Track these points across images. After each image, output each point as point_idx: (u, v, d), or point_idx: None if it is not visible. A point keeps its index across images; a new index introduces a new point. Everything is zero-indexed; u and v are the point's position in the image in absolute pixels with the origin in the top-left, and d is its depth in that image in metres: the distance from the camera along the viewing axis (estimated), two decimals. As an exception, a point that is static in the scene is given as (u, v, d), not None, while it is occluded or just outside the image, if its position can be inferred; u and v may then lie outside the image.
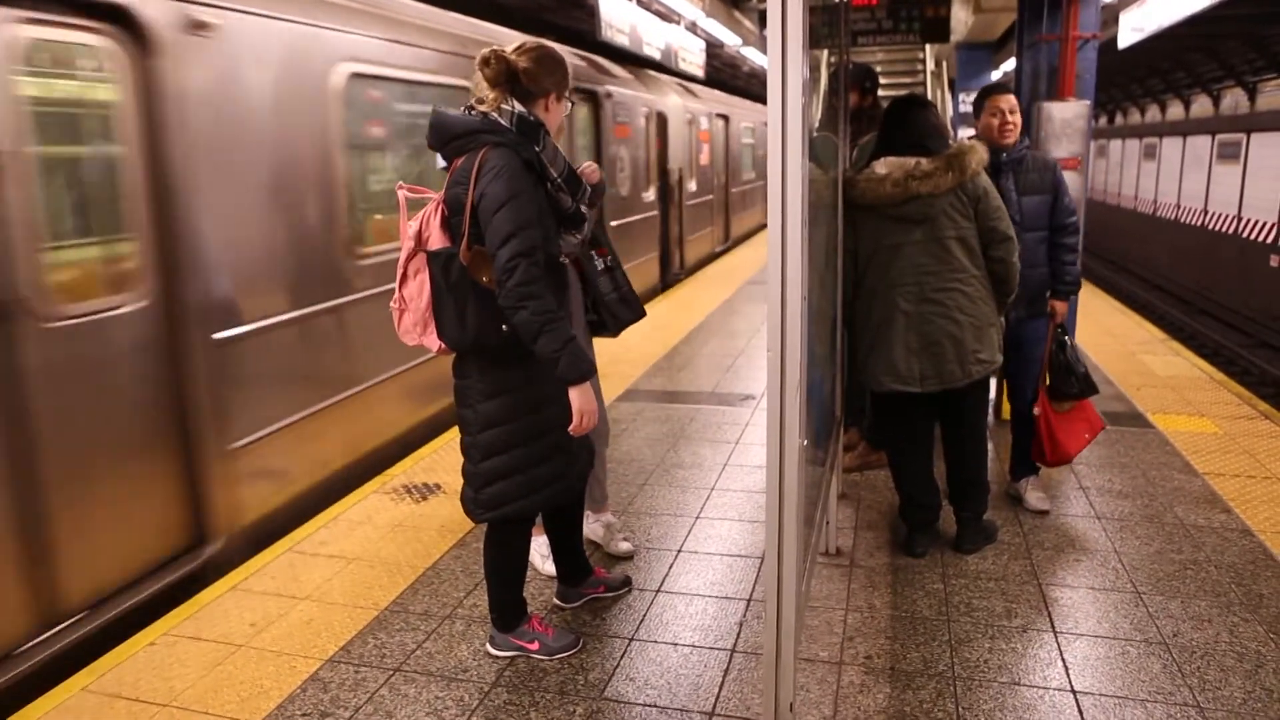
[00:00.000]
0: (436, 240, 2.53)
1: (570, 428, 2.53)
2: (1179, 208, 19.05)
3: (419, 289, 2.56)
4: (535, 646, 2.91)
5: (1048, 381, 3.94)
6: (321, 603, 3.33)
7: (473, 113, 2.54)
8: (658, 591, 3.37)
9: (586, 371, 2.48)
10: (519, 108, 2.52)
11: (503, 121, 2.50)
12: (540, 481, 2.66)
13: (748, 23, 14.96)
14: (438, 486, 4.39)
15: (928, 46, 13.60)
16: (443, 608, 3.27)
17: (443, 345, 2.59)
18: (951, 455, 3.65)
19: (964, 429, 3.61)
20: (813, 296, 2.38)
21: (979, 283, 3.38)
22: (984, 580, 3.39)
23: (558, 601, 3.24)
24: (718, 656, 2.94)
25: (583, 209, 2.64)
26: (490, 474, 2.65)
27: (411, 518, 4.06)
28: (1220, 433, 4.92)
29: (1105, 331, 7.46)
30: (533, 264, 2.38)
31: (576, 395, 2.49)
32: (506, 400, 2.60)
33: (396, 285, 2.61)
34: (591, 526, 3.62)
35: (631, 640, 3.05)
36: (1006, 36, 14.29)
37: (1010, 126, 3.73)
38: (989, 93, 3.82)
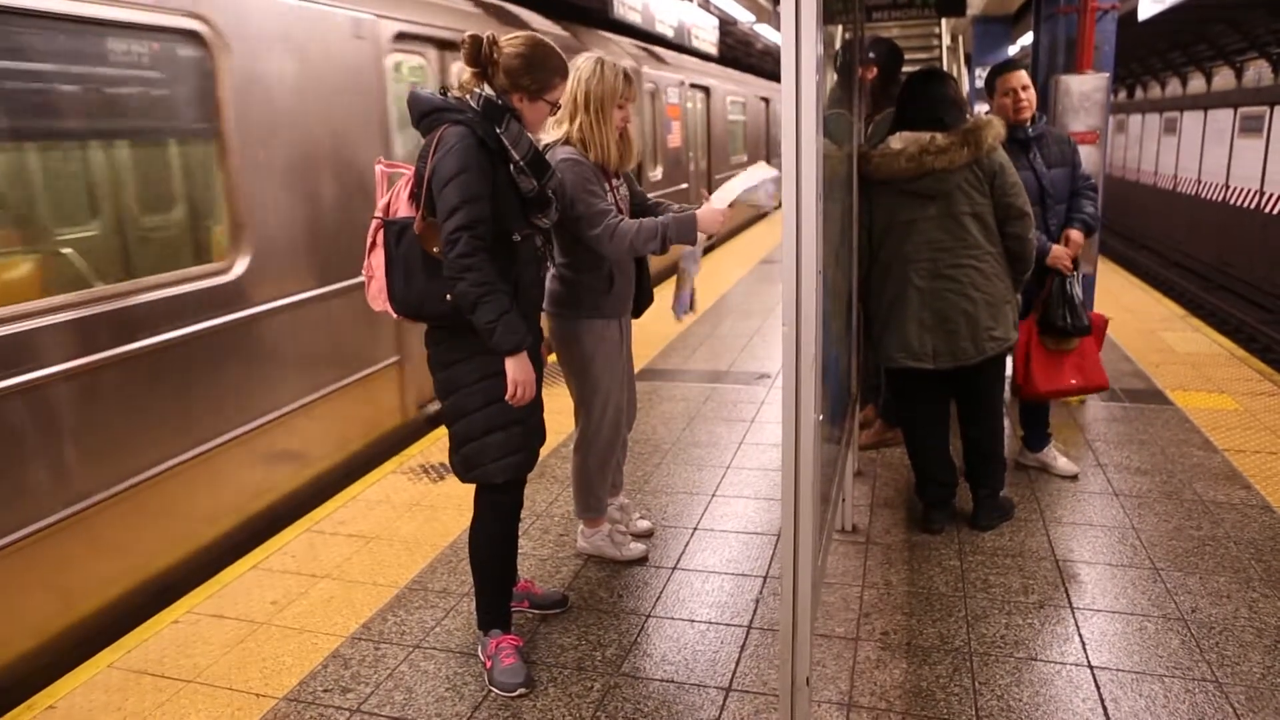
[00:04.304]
0: (403, 211, 2.59)
1: (506, 397, 2.57)
2: (1200, 183, 18.79)
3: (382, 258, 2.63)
4: (488, 665, 2.77)
5: (1040, 312, 3.83)
6: (341, 581, 3.37)
7: (448, 94, 2.59)
8: (674, 569, 3.39)
9: (519, 343, 2.51)
10: (489, 91, 2.55)
11: (470, 102, 2.53)
12: (493, 450, 2.65)
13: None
14: (455, 466, 4.43)
15: (944, 21, 13.40)
16: (461, 585, 3.30)
17: (394, 310, 2.64)
18: (968, 432, 3.64)
19: (980, 406, 3.60)
20: (828, 272, 2.37)
21: (994, 259, 3.35)
22: (1001, 556, 3.39)
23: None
24: (734, 633, 2.96)
25: (549, 192, 2.65)
26: (457, 438, 2.70)
27: (429, 496, 4.09)
28: (1240, 409, 4.88)
29: (1124, 308, 7.40)
30: (474, 237, 2.43)
31: (511, 365, 2.54)
32: (455, 370, 2.64)
33: (366, 253, 2.67)
34: (609, 511, 3.62)
35: (649, 617, 3.07)
36: (1024, 9, 14.06)
37: (1025, 104, 3.72)
38: (999, 72, 3.79)
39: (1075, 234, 3.80)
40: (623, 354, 3.27)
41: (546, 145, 2.99)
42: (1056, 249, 3.74)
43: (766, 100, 17.47)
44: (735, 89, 14.44)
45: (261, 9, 3.86)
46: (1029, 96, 3.72)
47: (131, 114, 3.56)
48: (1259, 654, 2.74)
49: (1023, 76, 3.73)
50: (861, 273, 3.54)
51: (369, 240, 2.66)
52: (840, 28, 3.33)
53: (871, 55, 4.43)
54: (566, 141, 3.03)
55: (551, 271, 3.14)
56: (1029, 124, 3.76)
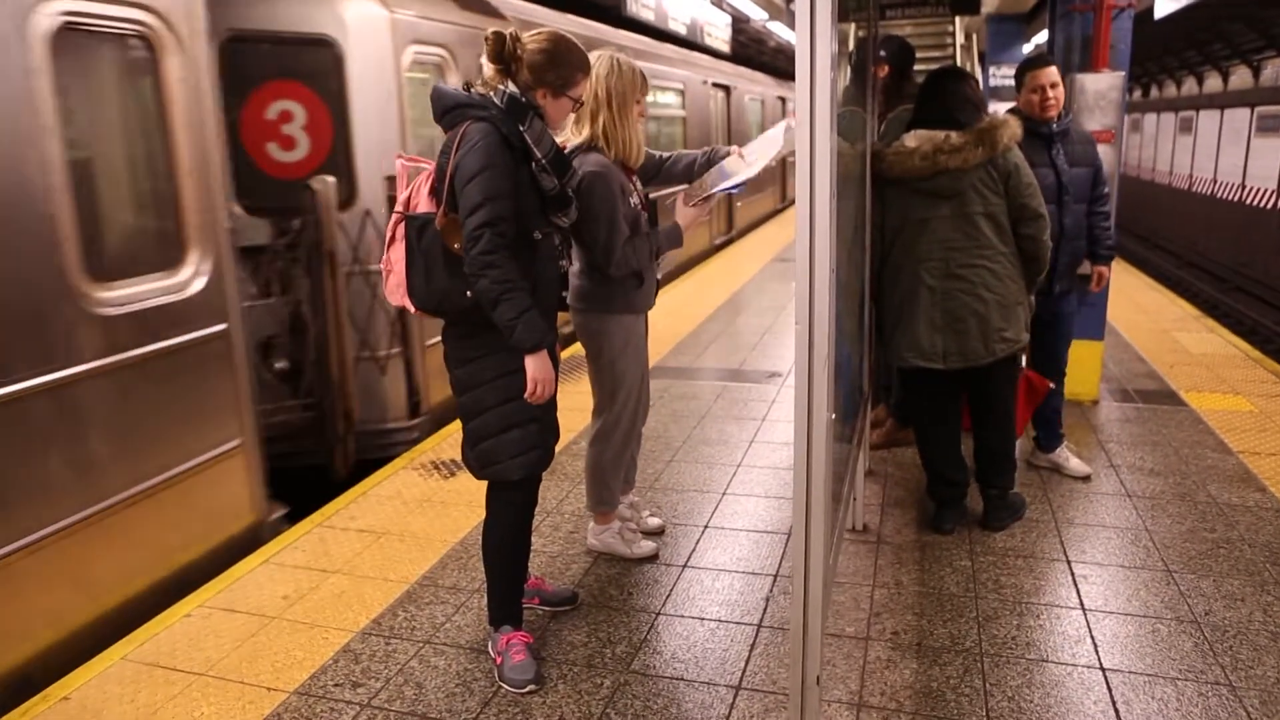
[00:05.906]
0: (423, 206, 2.60)
1: (525, 395, 2.59)
2: (1215, 182, 18.65)
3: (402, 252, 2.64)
4: (498, 661, 2.77)
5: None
6: (352, 576, 3.38)
7: (472, 89, 2.60)
8: (684, 567, 3.39)
9: (540, 341, 2.53)
10: (513, 88, 2.56)
11: (494, 99, 2.54)
12: (509, 447, 2.66)
13: (774, -3, 14.77)
14: (465, 463, 4.43)
15: (957, 19, 13.35)
16: (471, 581, 3.31)
17: (414, 305, 2.64)
18: (979, 432, 3.63)
19: (990, 406, 3.58)
20: (841, 270, 2.36)
21: (1007, 260, 3.34)
22: (1012, 557, 3.38)
23: None
24: (744, 631, 2.96)
25: (568, 191, 2.66)
26: (473, 435, 2.71)
27: (439, 493, 4.10)
28: (1255, 411, 4.84)
29: (1138, 309, 7.36)
30: (496, 234, 2.44)
31: (531, 363, 2.56)
32: (473, 367, 2.65)
33: (385, 247, 2.68)
34: (619, 509, 3.62)
35: (658, 615, 3.07)
36: (1039, 7, 13.96)
37: (1052, 101, 3.69)
38: (1028, 67, 3.76)
39: (1105, 271, 4.06)
40: (645, 347, 3.31)
41: (571, 150, 2.99)
42: None
43: (727, 89, 13.02)
44: (670, 71, 10.32)
45: None
46: (1057, 94, 3.68)
47: None
48: (1273, 658, 2.72)
49: (1052, 74, 3.69)
50: (874, 271, 3.53)
51: (388, 234, 2.67)
52: (854, 25, 3.33)
53: (883, 53, 4.43)
54: (592, 144, 3.03)
55: (576, 268, 3.14)
56: (1054, 120, 3.72)
